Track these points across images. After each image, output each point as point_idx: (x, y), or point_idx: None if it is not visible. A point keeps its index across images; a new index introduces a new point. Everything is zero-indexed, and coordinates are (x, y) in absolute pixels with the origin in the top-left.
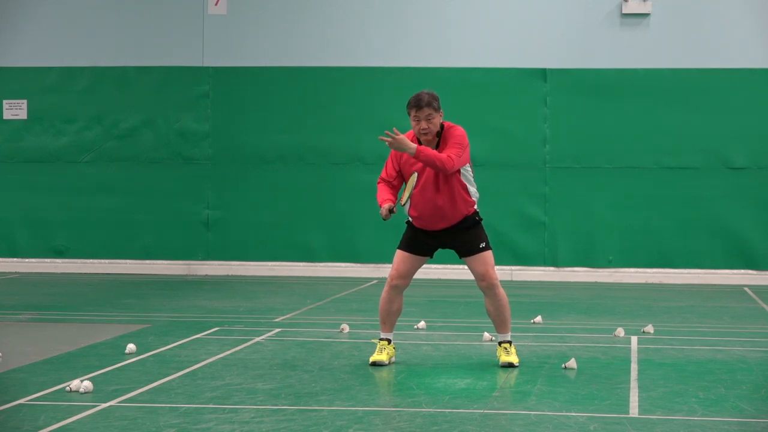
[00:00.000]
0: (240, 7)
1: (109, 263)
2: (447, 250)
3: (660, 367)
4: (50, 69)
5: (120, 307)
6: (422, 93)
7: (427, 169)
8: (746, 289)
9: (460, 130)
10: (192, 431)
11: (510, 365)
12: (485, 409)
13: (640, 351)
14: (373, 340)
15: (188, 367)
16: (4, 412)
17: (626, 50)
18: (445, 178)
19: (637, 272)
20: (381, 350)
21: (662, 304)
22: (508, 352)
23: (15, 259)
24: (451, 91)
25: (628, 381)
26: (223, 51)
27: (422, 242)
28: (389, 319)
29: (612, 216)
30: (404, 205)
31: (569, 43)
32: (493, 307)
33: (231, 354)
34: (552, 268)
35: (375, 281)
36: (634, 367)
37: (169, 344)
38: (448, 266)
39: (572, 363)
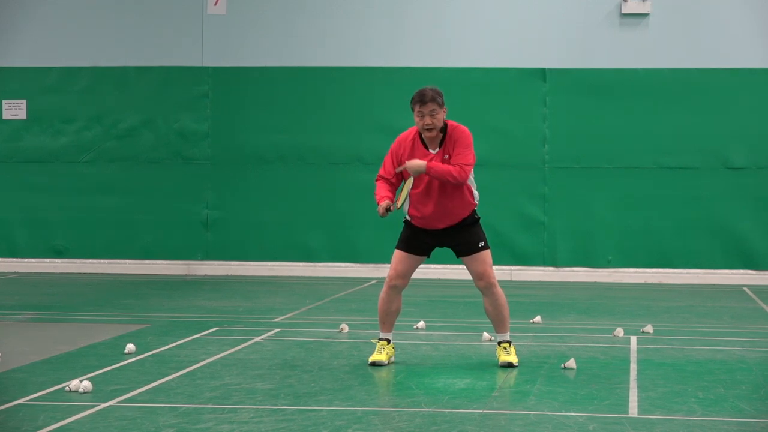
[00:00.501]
0: (239, 7)
1: (108, 263)
2: (446, 249)
3: (659, 367)
4: (50, 69)
5: (119, 307)
6: (426, 88)
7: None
8: (746, 289)
9: (466, 132)
10: (191, 431)
11: (509, 365)
12: (484, 409)
13: (639, 351)
14: (372, 340)
15: (187, 367)
16: (4, 412)
17: (626, 50)
18: (454, 185)
19: (636, 272)
20: (380, 350)
21: (662, 304)
22: (507, 352)
23: (14, 259)
24: (450, 91)
25: (628, 381)
26: (222, 51)
27: (420, 241)
28: (388, 319)
29: (611, 216)
30: (400, 208)
31: (569, 43)
32: (491, 306)
33: (230, 354)
34: (551, 268)
35: (374, 281)
36: (633, 367)
37: (168, 344)
38: (448, 266)
39: (571, 363)
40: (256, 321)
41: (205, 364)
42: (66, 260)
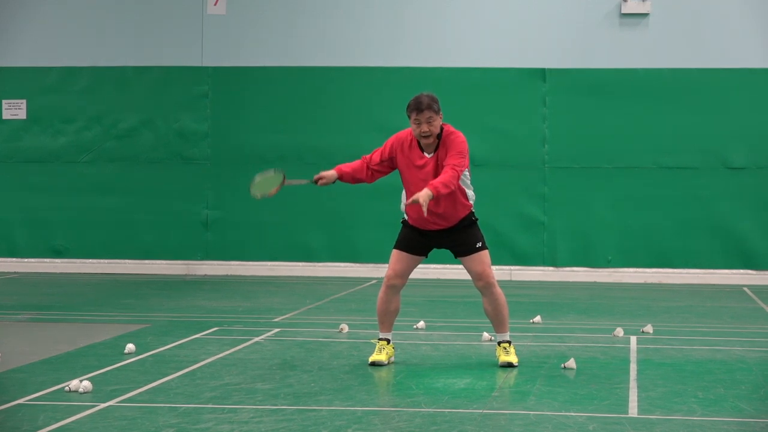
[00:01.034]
0: (239, 7)
1: (108, 263)
2: (445, 249)
3: (659, 367)
4: (49, 69)
5: (119, 307)
6: (422, 96)
7: (426, 176)
8: (745, 288)
9: (461, 138)
10: (191, 431)
11: (509, 365)
12: (484, 409)
13: (639, 351)
14: (372, 340)
15: (187, 367)
16: (4, 412)
17: (625, 50)
18: None
19: (636, 272)
20: (380, 350)
21: (661, 304)
22: (507, 352)
23: (14, 259)
24: (450, 92)
25: (628, 381)
26: (222, 51)
27: (418, 241)
28: (387, 319)
29: (611, 216)
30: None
31: (568, 43)
32: (491, 306)
33: (230, 354)
34: (551, 268)
35: (374, 281)
36: (633, 367)
37: (168, 344)
38: (447, 266)
39: (571, 363)
40: (255, 321)
41: (205, 364)
42: (66, 260)
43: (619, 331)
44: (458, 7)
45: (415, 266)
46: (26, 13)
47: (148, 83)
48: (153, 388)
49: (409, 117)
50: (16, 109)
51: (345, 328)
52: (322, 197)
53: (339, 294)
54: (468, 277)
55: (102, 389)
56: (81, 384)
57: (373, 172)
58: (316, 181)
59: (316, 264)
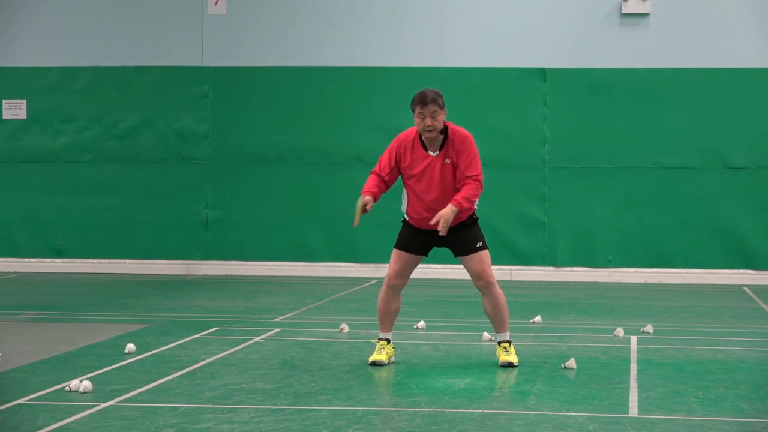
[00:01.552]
0: (239, 7)
1: (108, 263)
2: (446, 249)
3: (659, 367)
4: (49, 69)
5: (119, 307)
6: (427, 90)
7: (431, 176)
8: (746, 288)
9: (469, 138)
10: (191, 431)
11: (509, 365)
12: (485, 408)
13: (639, 351)
14: (372, 340)
15: (187, 366)
16: (4, 412)
17: (626, 50)
18: (450, 186)
19: (636, 272)
20: (380, 350)
21: (662, 304)
22: (507, 352)
23: (14, 258)
24: (450, 91)
25: (628, 381)
26: (222, 51)
27: (418, 241)
28: (388, 319)
29: (611, 216)
30: (356, 227)
31: (569, 42)
32: (491, 306)
33: (230, 354)
34: (551, 268)
35: (374, 281)
36: (633, 367)
37: (168, 344)
38: (448, 266)
39: (572, 363)
40: (256, 321)
41: (206, 364)
42: (66, 260)
43: (620, 331)
44: (458, 7)
45: (415, 266)
46: (26, 13)
47: (149, 83)
48: (153, 387)
49: (413, 110)
50: (16, 109)
51: (345, 328)
52: (322, 197)
53: (339, 294)
54: (468, 276)
55: (102, 389)
56: (81, 384)
57: (388, 182)
58: (365, 210)
59: (316, 264)
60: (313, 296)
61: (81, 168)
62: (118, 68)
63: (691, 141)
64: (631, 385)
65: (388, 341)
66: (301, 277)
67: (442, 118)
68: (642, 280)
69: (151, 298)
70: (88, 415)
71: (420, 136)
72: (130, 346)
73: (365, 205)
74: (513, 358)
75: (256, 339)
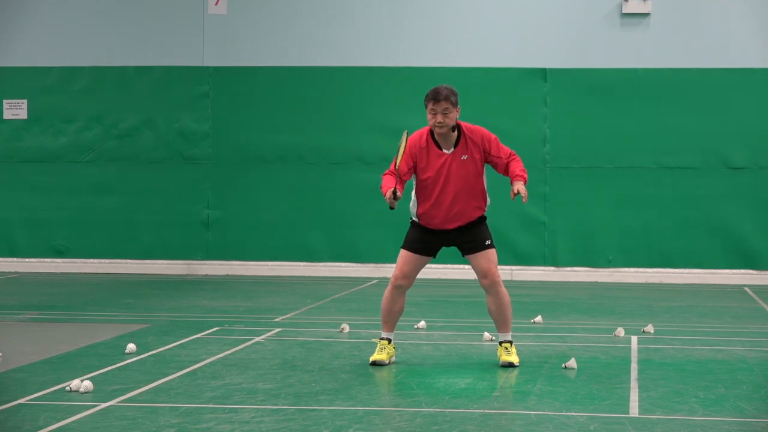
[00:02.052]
0: (240, 6)
1: (109, 263)
2: (449, 249)
3: (660, 367)
4: (50, 69)
5: (120, 307)
6: (441, 87)
7: (447, 174)
8: (746, 288)
9: (487, 132)
10: (192, 431)
11: (510, 365)
12: (485, 408)
13: (640, 351)
14: (373, 340)
15: (188, 366)
16: (4, 412)
17: (626, 50)
18: (468, 184)
19: (637, 272)
20: (381, 350)
21: (662, 304)
22: (508, 352)
23: (15, 258)
24: None
25: (629, 381)
26: (223, 51)
27: (428, 241)
28: (391, 319)
29: (612, 216)
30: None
31: (569, 42)
32: (495, 306)
33: (231, 354)
34: (552, 268)
35: (375, 281)
36: (634, 366)
37: (169, 344)
38: (449, 266)
39: (572, 363)
40: (256, 321)
41: (206, 364)
42: (66, 260)
43: (620, 331)
44: (459, 7)
45: (422, 267)
46: (26, 13)
47: (149, 83)
48: (154, 387)
49: (426, 106)
50: (16, 109)
51: (346, 328)
52: (323, 197)
53: (340, 294)
54: (469, 276)
55: (103, 389)
56: (82, 384)
57: (404, 181)
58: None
59: (316, 264)
60: (314, 296)
61: (81, 168)
62: (118, 68)
63: (691, 141)
64: (631, 385)
65: (390, 341)
66: (302, 277)
67: (454, 115)
68: (643, 280)
69: (152, 298)
70: (88, 415)
71: (432, 135)
72: (131, 346)
73: (395, 196)
74: (514, 358)
75: (257, 339)
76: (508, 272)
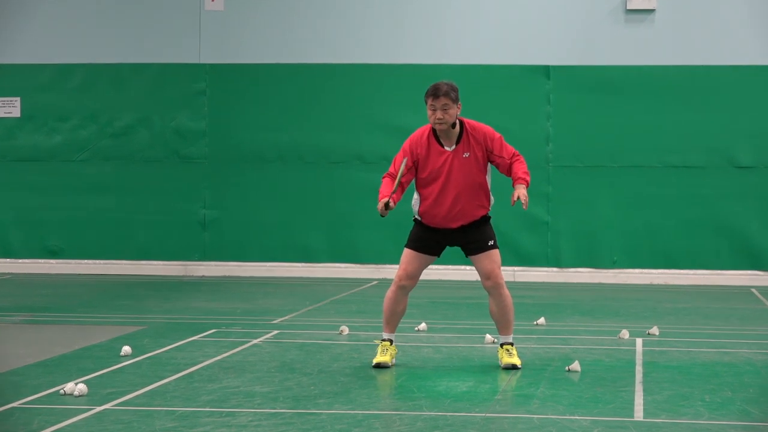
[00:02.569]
0: (237, 3)
1: (104, 264)
2: (448, 249)
3: (665, 369)
4: (44, 66)
5: (115, 309)
6: (441, 83)
7: (449, 171)
8: (753, 290)
9: (490, 130)
10: None
11: (512, 367)
12: (487, 412)
13: (645, 353)
14: (374, 341)
15: (184, 369)
16: None
17: (631, 47)
18: (470, 181)
19: (641, 273)
20: (384, 351)
21: (667, 306)
22: (510, 354)
23: (8, 259)
24: None
25: (633, 384)
26: (220, 48)
27: (432, 240)
28: (393, 320)
29: (616, 216)
30: (394, 191)
31: (573, 39)
32: (497, 307)
33: (228, 356)
34: (555, 269)
35: (375, 282)
36: (638, 369)
37: (165, 346)
38: (450, 267)
39: (576, 365)
40: (254, 323)
41: (203, 367)
42: (61, 261)
43: (625, 333)
44: (460, 4)
45: (426, 266)
46: (20, 10)
47: (145, 80)
48: (149, 391)
49: (426, 102)
50: (10, 107)
51: (345, 330)
52: (322, 197)
53: (339, 295)
54: (470, 278)
55: (98, 392)
56: (76, 387)
57: (405, 181)
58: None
59: (315, 265)
60: (313, 298)
61: (76, 167)
62: (113, 65)
63: (697, 139)
64: (636, 388)
65: (391, 342)
66: (300, 278)
67: (454, 112)
68: (647, 281)
69: (148, 299)
70: (83, 418)
71: (434, 132)
72: (126, 349)
73: (387, 206)
74: (516, 360)
75: (255, 341)
76: (510, 273)
